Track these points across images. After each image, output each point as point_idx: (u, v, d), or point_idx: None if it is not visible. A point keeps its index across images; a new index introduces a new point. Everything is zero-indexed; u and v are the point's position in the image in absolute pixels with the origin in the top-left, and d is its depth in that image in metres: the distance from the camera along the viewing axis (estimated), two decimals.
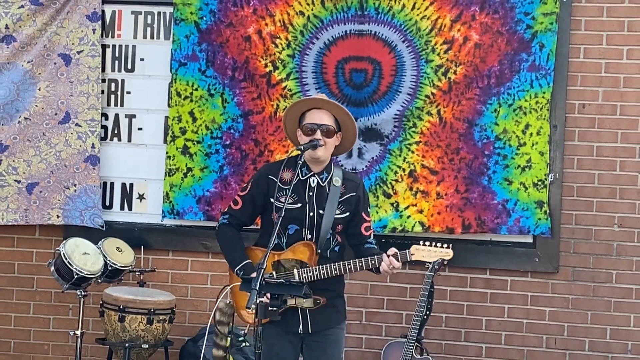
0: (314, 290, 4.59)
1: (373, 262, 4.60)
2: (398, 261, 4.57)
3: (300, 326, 4.71)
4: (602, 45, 6.02)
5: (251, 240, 4.89)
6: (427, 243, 4.78)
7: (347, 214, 4.69)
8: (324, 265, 4.64)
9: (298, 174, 4.71)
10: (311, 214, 4.67)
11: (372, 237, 4.82)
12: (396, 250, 4.61)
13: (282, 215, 4.61)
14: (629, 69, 5.99)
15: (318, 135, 4.60)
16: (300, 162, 4.67)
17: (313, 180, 4.72)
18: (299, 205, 4.69)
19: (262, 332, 4.57)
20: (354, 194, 4.75)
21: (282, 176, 4.69)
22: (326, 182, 4.75)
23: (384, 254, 4.59)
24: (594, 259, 6.06)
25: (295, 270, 4.65)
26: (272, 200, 4.66)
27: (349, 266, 4.65)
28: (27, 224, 6.48)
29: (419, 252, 4.65)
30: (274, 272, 4.73)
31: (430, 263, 5.01)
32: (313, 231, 4.68)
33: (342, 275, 4.80)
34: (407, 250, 4.60)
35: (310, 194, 4.71)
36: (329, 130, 4.61)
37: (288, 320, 4.69)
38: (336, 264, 4.63)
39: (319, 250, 4.67)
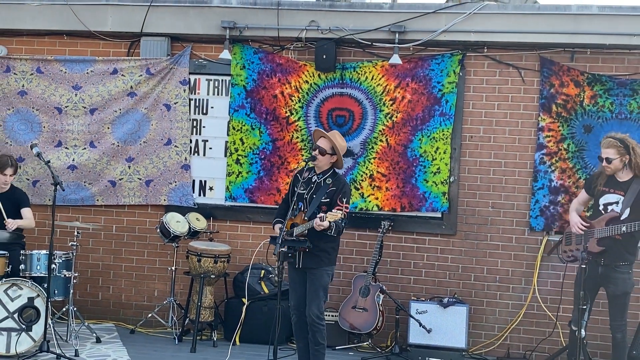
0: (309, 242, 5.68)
1: (312, 222, 5.62)
2: (321, 220, 5.53)
3: (297, 264, 5.87)
4: (482, 101, 7.52)
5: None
6: (333, 210, 5.57)
7: (328, 199, 5.82)
8: (301, 225, 5.72)
9: (309, 174, 5.90)
10: (307, 196, 5.90)
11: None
12: (321, 215, 5.57)
13: (296, 197, 5.89)
14: (498, 116, 7.49)
15: (316, 152, 5.85)
16: (311, 168, 5.88)
17: (314, 179, 5.90)
18: (305, 192, 5.84)
19: (284, 269, 5.72)
20: (335, 188, 5.82)
21: (304, 176, 5.88)
22: (321, 180, 5.87)
23: (317, 217, 5.57)
24: (477, 227, 7.55)
25: (295, 228, 5.78)
26: (295, 189, 5.86)
27: (308, 225, 5.67)
28: (146, 204, 8.03)
29: (330, 215, 5.59)
30: (288, 228, 5.74)
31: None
32: (307, 207, 5.86)
33: (325, 237, 5.72)
34: (325, 215, 5.55)
35: (312, 186, 5.87)
36: (322, 150, 5.85)
37: (295, 260, 5.85)
38: (304, 224, 5.72)
39: (306, 218, 5.79)
